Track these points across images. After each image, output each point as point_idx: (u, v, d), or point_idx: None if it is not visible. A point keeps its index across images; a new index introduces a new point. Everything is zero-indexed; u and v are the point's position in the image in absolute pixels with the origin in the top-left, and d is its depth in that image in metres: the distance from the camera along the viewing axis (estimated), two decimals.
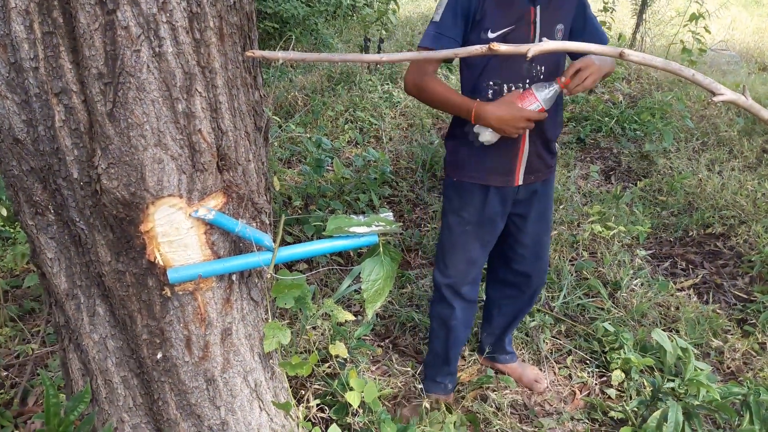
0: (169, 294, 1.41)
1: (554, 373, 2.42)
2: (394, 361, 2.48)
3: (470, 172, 1.91)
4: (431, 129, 4.58)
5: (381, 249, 1.44)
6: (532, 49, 1.06)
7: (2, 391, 2.48)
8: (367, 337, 2.57)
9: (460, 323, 2.13)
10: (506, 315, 2.26)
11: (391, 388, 2.27)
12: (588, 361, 2.45)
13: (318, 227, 3.14)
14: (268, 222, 1.53)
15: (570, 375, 2.40)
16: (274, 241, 1.43)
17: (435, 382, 2.25)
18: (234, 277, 1.48)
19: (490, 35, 1.71)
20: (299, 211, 3.46)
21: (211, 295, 1.46)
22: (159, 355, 1.50)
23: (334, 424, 1.84)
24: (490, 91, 1.79)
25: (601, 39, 1.85)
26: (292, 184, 3.77)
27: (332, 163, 3.68)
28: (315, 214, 3.20)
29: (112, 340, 1.55)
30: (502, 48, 1.05)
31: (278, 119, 4.81)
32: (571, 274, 2.90)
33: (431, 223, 3.45)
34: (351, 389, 1.81)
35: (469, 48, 1.10)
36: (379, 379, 2.34)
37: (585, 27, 1.84)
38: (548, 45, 1.08)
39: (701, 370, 1.76)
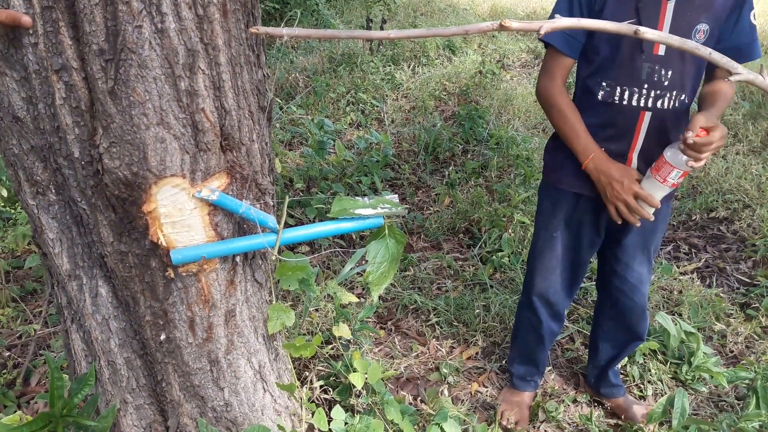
0: (172, 275, 1.40)
1: (556, 357, 2.42)
2: (397, 343, 2.47)
3: (566, 177, 1.78)
4: (434, 111, 4.54)
5: (386, 231, 1.43)
6: (544, 26, 1.03)
7: (5, 371, 2.49)
8: (370, 320, 2.57)
9: (547, 333, 2.05)
10: (609, 350, 2.08)
11: (395, 371, 2.26)
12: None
13: (320, 210, 3.13)
14: (272, 203, 1.52)
15: (576, 358, 2.40)
16: (278, 222, 1.42)
17: (524, 380, 2.19)
18: (238, 259, 1.46)
19: None
20: (301, 194, 3.45)
21: (214, 277, 1.44)
22: (162, 337, 1.49)
23: (338, 406, 1.84)
24: (601, 92, 1.64)
25: (744, 51, 1.57)
26: (294, 167, 3.74)
27: (334, 145, 3.66)
28: (317, 196, 3.18)
29: (115, 321, 1.54)
30: (514, 25, 1.03)
31: (279, 101, 4.77)
32: None
33: (433, 206, 3.44)
34: (355, 370, 1.81)
35: (480, 24, 1.07)
36: (382, 361, 2.33)
37: (732, 31, 1.57)
38: (561, 22, 1.06)
39: (707, 356, 1.75)
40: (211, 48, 1.24)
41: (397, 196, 1.48)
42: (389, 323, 2.60)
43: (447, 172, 3.70)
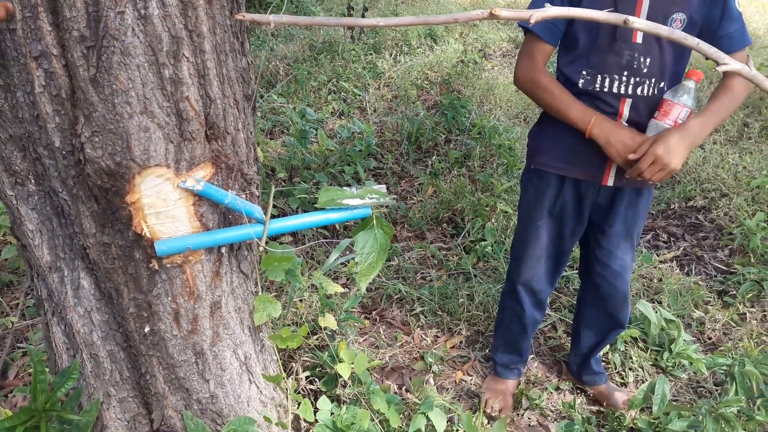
0: (156, 267, 1.38)
1: (539, 345, 2.44)
2: (382, 332, 2.48)
3: (551, 161, 1.77)
4: (416, 100, 4.53)
5: (374, 222, 1.42)
6: (535, 15, 1.03)
7: None
8: (355, 310, 2.57)
9: (530, 321, 2.06)
10: (591, 337, 2.10)
11: (380, 361, 2.27)
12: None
13: (303, 200, 3.10)
14: (258, 194, 1.50)
15: (558, 345, 2.43)
16: (265, 213, 1.40)
17: (508, 368, 2.20)
18: (223, 250, 1.45)
19: None
20: (283, 183, 3.42)
21: (200, 268, 1.42)
22: (146, 329, 1.47)
23: (324, 396, 1.84)
24: (582, 81, 1.64)
25: (736, 39, 1.57)
26: (276, 156, 3.71)
27: (316, 134, 3.63)
28: (300, 186, 3.16)
29: (98, 314, 1.51)
30: (504, 13, 1.02)
31: (260, 89, 4.72)
32: None
33: (417, 196, 3.44)
34: (341, 361, 1.80)
35: (470, 13, 1.06)
36: (367, 351, 2.33)
37: (721, 21, 1.57)
38: (551, 11, 1.05)
39: (687, 343, 1.78)
40: (196, 35, 1.22)
41: (384, 186, 1.47)
42: (374, 313, 2.60)
43: (430, 162, 3.70)
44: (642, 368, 2.23)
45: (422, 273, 2.82)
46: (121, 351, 1.56)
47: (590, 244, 1.92)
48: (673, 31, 1.02)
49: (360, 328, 2.47)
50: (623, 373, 2.26)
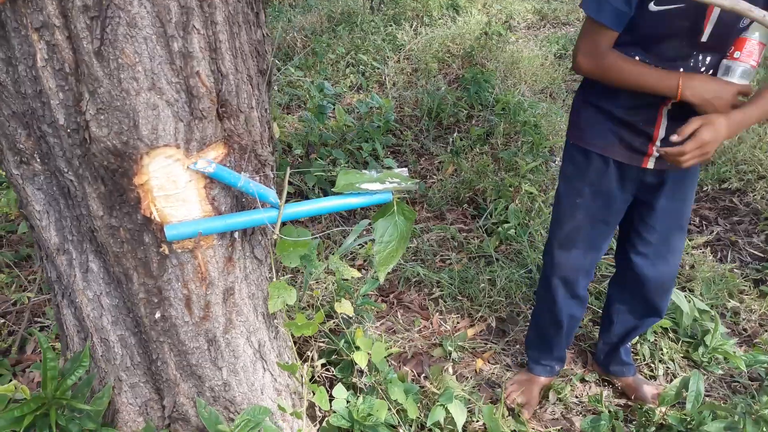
0: (167, 252, 1.31)
1: None
2: (399, 317, 2.41)
3: (593, 139, 1.67)
4: (437, 74, 4.40)
5: (395, 208, 1.33)
6: None
7: None
8: (372, 293, 2.50)
9: (564, 315, 1.95)
10: (624, 323, 1.97)
11: (398, 347, 2.20)
12: (598, 323, 2.39)
13: (320, 177, 3.02)
14: (272, 175, 1.42)
15: (583, 335, 2.34)
16: (279, 197, 1.32)
17: (540, 364, 2.10)
18: (236, 235, 1.38)
19: (653, 7, 1.41)
20: (300, 160, 3.34)
21: (212, 254, 1.35)
22: (157, 315, 1.41)
23: (339, 384, 1.78)
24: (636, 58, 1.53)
25: None
26: (292, 131, 3.63)
27: (334, 109, 3.53)
28: (317, 163, 3.08)
29: (108, 298, 1.46)
30: None
31: (277, 62, 4.61)
32: None
33: (437, 175, 3.34)
34: (358, 349, 1.74)
35: None
36: (384, 336, 2.27)
37: None
38: None
39: (724, 336, 1.69)
40: (207, 5, 1.13)
41: (406, 170, 1.38)
42: (391, 296, 2.53)
43: (451, 139, 3.59)
44: (673, 361, 2.14)
45: (441, 255, 2.74)
46: (132, 336, 1.51)
47: (633, 220, 1.79)
48: (737, 2, 0.92)
49: (377, 312, 2.41)
50: (653, 365, 2.17)
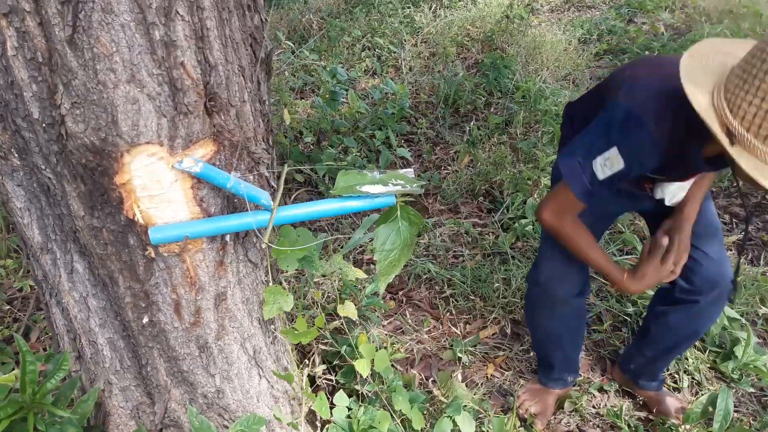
0: (153, 255, 1.22)
1: (588, 337, 2.24)
2: (408, 316, 2.31)
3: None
4: (455, 59, 4.24)
5: (399, 212, 1.23)
6: None
7: (3, 326, 2.38)
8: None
9: (564, 328, 1.85)
10: (667, 338, 1.82)
11: (404, 351, 2.11)
12: (621, 327, 2.27)
13: (330, 168, 2.92)
14: (268, 174, 1.32)
15: (602, 340, 2.22)
16: (273, 198, 1.22)
17: (551, 378, 1.97)
18: (228, 238, 1.28)
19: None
20: (311, 147, 3.24)
21: (201, 257, 1.26)
22: (145, 320, 1.33)
23: (341, 392, 1.70)
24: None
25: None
26: (305, 118, 3.52)
27: (347, 95, 3.41)
28: (327, 152, 2.97)
29: (94, 300, 1.38)
30: None
31: (291, 44, 4.49)
32: None
33: (452, 165, 3.21)
34: (360, 356, 1.65)
35: None
36: (392, 337, 2.18)
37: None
38: None
39: (758, 351, 1.56)
40: None
41: (412, 170, 1.27)
42: (400, 293, 2.43)
43: (468, 128, 3.45)
44: (699, 371, 2.01)
45: (454, 251, 2.62)
46: (121, 339, 1.43)
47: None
48: None
49: (384, 311, 2.31)
50: (677, 376, 2.05)
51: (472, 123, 3.49)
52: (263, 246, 1.19)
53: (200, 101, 1.11)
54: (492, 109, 3.70)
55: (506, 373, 2.11)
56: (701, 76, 1.23)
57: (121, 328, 1.41)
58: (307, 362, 1.79)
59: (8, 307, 2.54)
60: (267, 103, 1.42)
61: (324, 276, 2.18)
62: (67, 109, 1.04)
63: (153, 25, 1.00)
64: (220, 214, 1.23)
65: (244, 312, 1.42)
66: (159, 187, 1.14)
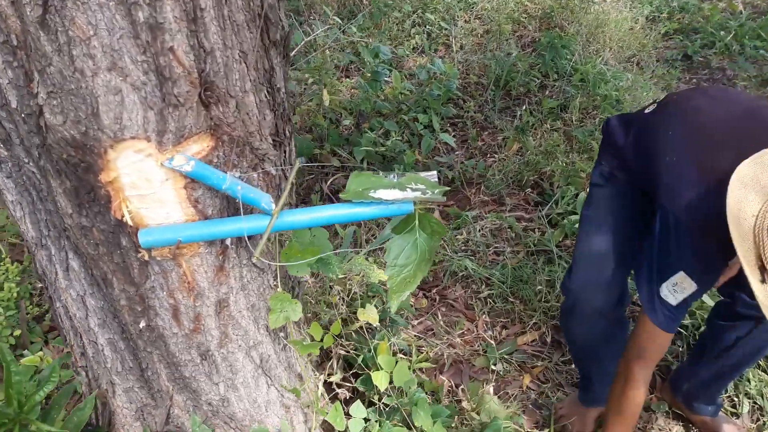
0: (146, 257, 1.12)
1: None
2: (440, 316, 2.16)
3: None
4: (510, 37, 3.99)
5: (417, 222, 1.07)
6: None
7: (33, 305, 2.37)
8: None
9: (600, 341, 1.70)
10: (726, 357, 1.65)
11: (434, 356, 1.96)
12: (675, 340, 2.05)
13: (369, 153, 2.78)
14: (275, 171, 1.19)
15: None
16: (277, 201, 1.09)
17: (589, 392, 1.81)
18: (228, 241, 1.16)
19: None
20: (350, 130, 3.09)
21: (199, 262, 1.15)
22: (142, 324, 1.24)
23: (358, 402, 1.58)
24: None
25: None
26: (348, 98, 3.37)
27: (392, 75, 3.24)
28: (366, 135, 2.82)
29: (92, 299, 1.30)
30: None
31: (339, 20, 4.33)
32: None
33: (499, 152, 3.01)
34: (379, 367, 1.52)
35: None
36: (421, 338, 2.04)
37: None
38: None
39: None
40: None
41: (435, 173, 1.11)
42: (434, 291, 2.28)
43: (519, 112, 3.23)
44: (762, 396, 1.79)
45: (495, 248, 2.45)
46: (121, 341, 1.35)
47: None
48: None
49: (416, 309, 2.17)
50: (736, 399, 1.83)
51: (524, 107, 3.26)
52: (253, 260, 1.06)
53: (194, 91, 0.98)
54: (547, 92, 3.46)
55: (543, 385, 1.94)
56: (753, 193, 1.03)
57: (120, 329, 1.33)
58: (327, 367, 1.68)
59: (40, 285, 2.54)
60: (283, 90, 1.28)
61: (344, 276, 2.04)
62: (44, 99, 0.94)
63: (135, 5, 0.87)
64: (218, 216, 1.12)
65: (249, 319, 1.30)
66: (149, 186, 1.03)
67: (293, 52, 3.51)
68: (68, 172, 1.02)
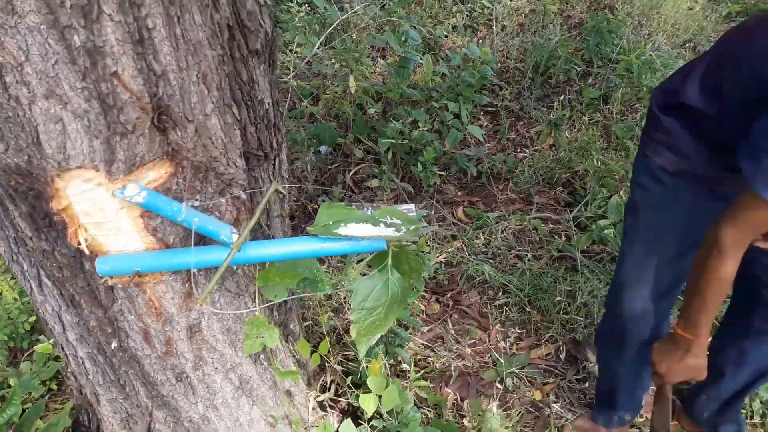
0: (110, 282, 1.07)
1: None
2: (451, 324, 2.07)
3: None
4: (555, 18, 3.75)
5: (389, 261, 0.98)
6: None
7: None
8: (425, 291, 2.17)
9: (638, 368, 1.60)
10: (747, 374, 1.56)
11: (441, 366, 1.88)
12: None
13: (394, 145, 2.67)
14: (245, 197, 1.11)
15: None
16: (242, 230, 1.02)
17: (609, 418, 1.74)
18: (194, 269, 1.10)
19: None
20: (376, 118, 2.98)
21: (164, 289, 1.10)
22: (114, 345, 1.20)
23: (348, 420, 1.51)
24: None
25: None
26: (380, 81, 3.25)
27: (423, 59, 3.10)
28: (391, 126, 2.71)
29: (67, 314, 1.26)
30: None
31: None
32: None
33: (531, 146, 2.85)
34: (366, 391, 1.45)
35: None
36: (429, 347, 1.96)
37: None
38: None
39: None
40: None
41: (413, 206, 1.01)
42: (448, 295, 2.19)
43: (557, 101, 3.03)
44: None
45: (517, 251, 2.32)
46: (100, 355, 1.32)
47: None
48: None
49: (426, 315, 2.09)
50: (766, 422, 1.69)
51: (562, 97, 3.07)
52: (200, 304, 0.99)
53: (145, 117, 0.91)
54: (590, 80, 3.24)
55: (555, 405, 1.83)
56: None
57: (97, 345, 1.29)
58: (320, 381, 1.62)
59: None
60: (268, 101, 1.20)
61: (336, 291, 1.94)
62: None
63: (69, 29, 0.80)
64: (181, 244, 1.05)
65: (225, 343, 1.25)
66: (103, 215, 0.97)
67: (328, 30, 3.40)
68: (19, 198, 0.97)
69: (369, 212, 1.00)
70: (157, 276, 1.07)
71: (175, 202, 0.96)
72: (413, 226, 0.98)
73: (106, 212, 0.97)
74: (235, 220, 1.11)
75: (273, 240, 1.03)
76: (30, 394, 1.80)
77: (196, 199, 1.02)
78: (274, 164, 1.33)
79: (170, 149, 0.97)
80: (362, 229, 0.98)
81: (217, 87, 0.99)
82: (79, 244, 1.00)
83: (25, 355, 1.98)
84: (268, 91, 1.22)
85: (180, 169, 0.99)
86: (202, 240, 1.06)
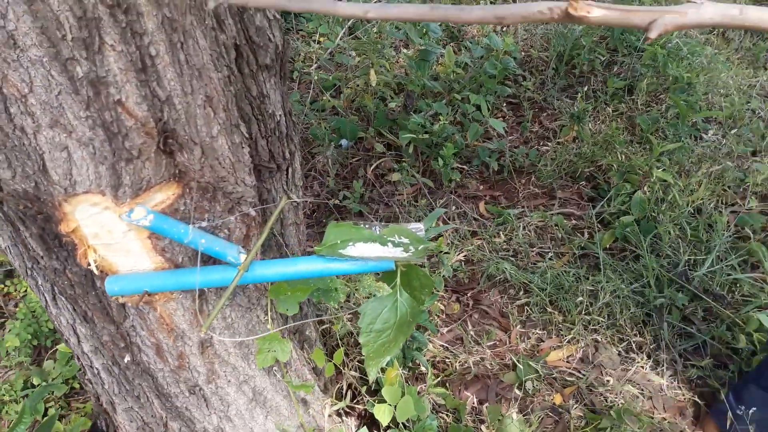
0: (120, 300, 1.08)
1: (674, 373, 1.87)
2: (471, 325, 2.05)
3: None
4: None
5: (398, 281, 0.97)
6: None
7: None
8: (444, 294, 2.15)
9: None
10: None
11: (460, 368, 1.86)
12: (728, 363, 1.86)
13: (415, 139, 2.64)
14: (254, 214, 1.10)
15: (702, 378, 1.84)
16: (250, 250, 1.01)
17: None
18: None
19: None
20: (398, 111, 2.95)
21: (174, 306, 1.10)
22: (126, 359, 1.22)
23: (364, 428, 1.52)
24: None
25: None
26: (402, 73, 3.21)
27: (445, 50, 3.04)
28: (411, 120, 2.68)
29: (82, 327, 1.28)
30: (595, 15, 0.49)
31: None
32: (727, 231, 2.19)
33: (554, 139, 2.79)
34: (381, 400, 1.45)
35: (526, 6, 0.54)
36: (448, 348, 1.95)
37: None
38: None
39: None
40: (123, 12, 0.79)
41: (422, 225, 0.99)
42: (468, 294, 2.17)
43: (581, 92, 2.96)
44: None
45: (539, 248, 2.28)
46: (114, 366, 1.34)
47: None
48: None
49: (446, 314, 2.07)
50: None
51: (586, 88, 2.99)
52: (201, 335, 0.99)
53: (150, 142, 0.90)
54: (615, 69, 3.15)
55: (573, 409, 1.81)
56: None
57: (112, 356, 1.31)
58: (336, 390, 1.62)
59: None
60: (279, 113, 1.19)
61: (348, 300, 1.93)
62: None
63: (71, 61, 0.79)
64: (191, 263, 1.05)
65: (237, 356, 1.25)
66: (111, 237, 0.97)
67: (351, 20, 3.37)
68: (29, 221, 0.98)
69: (377, 231, 0.99)
70: (167, 294, 1.07)
71: (182, 224, 0.96)
72: (422, 246, 0.97)
73: (115, 234, 0.97)
74: (245, 237, 1.11)
75: (280, 260, 1.02)
76: (53, 393, 1.84)
77: (205, 219, 1.02)
78: (287, 174, 1.32)
79: (177, 171, 0.97)
80: (370, 249, 0.96)
81: (223, 108, 0.98)
82: (89, 264, 1.01)
83: (49, 353, 2.02)
84: (279, 103, 1.21)
85: (187, 190, 0.99)
86: (212, 258, 1.06)
